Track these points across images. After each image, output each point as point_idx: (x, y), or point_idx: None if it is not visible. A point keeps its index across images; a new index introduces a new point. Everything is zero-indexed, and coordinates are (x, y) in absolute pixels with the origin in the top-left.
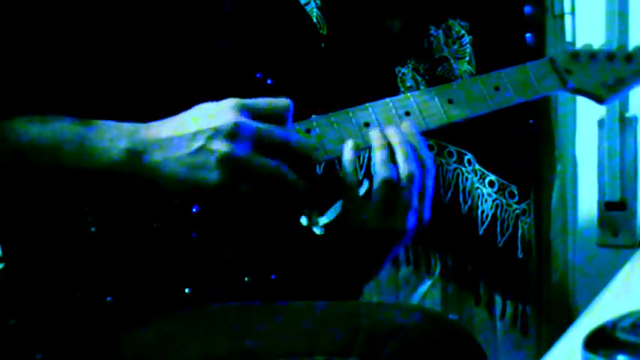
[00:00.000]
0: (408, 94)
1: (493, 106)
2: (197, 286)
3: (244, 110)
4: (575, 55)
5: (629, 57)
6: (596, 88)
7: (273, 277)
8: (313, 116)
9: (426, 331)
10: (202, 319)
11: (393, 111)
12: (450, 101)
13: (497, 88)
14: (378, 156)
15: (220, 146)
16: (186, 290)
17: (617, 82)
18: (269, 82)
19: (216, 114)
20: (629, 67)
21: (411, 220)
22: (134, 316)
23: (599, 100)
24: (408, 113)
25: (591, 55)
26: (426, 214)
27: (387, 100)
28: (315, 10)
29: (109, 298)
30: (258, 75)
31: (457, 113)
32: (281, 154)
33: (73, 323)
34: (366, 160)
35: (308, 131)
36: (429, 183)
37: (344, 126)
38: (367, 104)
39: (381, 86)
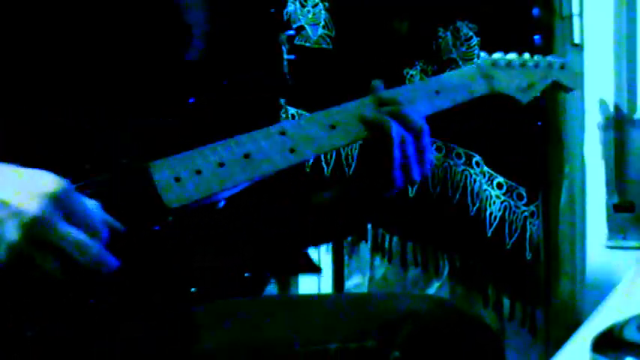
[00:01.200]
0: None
1: (435, 108)
2: (202, 285)
3: (56, 207)
4: (494, 63)
5: (536, 64)
6: (514, 91)
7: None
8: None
9: (438, 317)
10: (218, 312)
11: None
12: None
13: (437, 92)
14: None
15: (11, 234)
16: (192, 289)
17: (530, 85)
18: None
19: (29, 193)
20: (537, 72)
21: (399, 177)
22: (142, 313)
23: (519, 103)
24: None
25: (507, 62)
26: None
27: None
28: (323, 12)
29: (111, 299)
30: (259, 77)
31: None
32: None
33: (81, 322)
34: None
35: (283, 134)
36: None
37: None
38: (333, 108)
39: (389, 88)
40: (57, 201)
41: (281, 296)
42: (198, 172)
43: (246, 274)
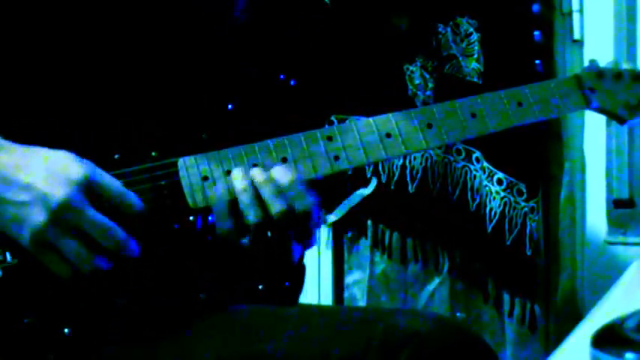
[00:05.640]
0: (427, 107)
1: (516, 122)
2: (211, 292)
3: (86, 192)
4: (601, 74)
5: None
6: (619, 108)
7: (287, 284)
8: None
9: (440, 339)
10: (218, 322)
11: (416, 122)
12: (474, 115)
13: (520, 104)
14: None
15: (38, 217)
16: (201, 296)
17: None
18: (292, 83)
19: (55, 178)
20: None
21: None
22: (149, 320)
23: (621, 121)
24: (430, 125)
25: (617, 74)
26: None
27: (411, 110)
28: None
29: (122, 301)
30: (281, 77)
31: (480, 128)
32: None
33: (87, 324)
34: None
35: (330, 139)
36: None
37: (366, 139)
38: (390, 115)
39: (390, 84)
40: (84, 187)
41: (282, 307)
42: (229, 172)
43: (259, 286)
